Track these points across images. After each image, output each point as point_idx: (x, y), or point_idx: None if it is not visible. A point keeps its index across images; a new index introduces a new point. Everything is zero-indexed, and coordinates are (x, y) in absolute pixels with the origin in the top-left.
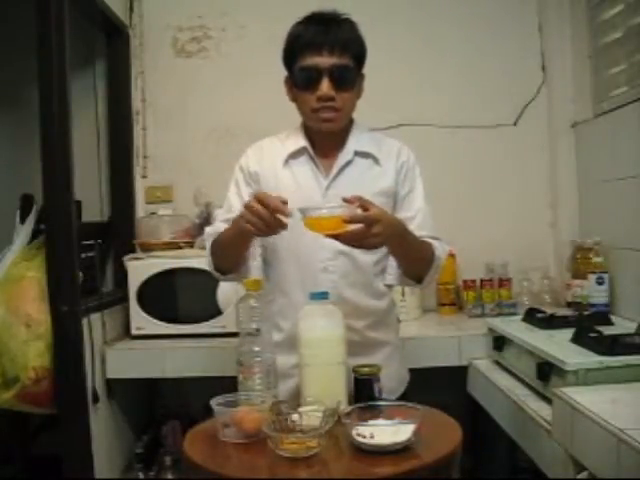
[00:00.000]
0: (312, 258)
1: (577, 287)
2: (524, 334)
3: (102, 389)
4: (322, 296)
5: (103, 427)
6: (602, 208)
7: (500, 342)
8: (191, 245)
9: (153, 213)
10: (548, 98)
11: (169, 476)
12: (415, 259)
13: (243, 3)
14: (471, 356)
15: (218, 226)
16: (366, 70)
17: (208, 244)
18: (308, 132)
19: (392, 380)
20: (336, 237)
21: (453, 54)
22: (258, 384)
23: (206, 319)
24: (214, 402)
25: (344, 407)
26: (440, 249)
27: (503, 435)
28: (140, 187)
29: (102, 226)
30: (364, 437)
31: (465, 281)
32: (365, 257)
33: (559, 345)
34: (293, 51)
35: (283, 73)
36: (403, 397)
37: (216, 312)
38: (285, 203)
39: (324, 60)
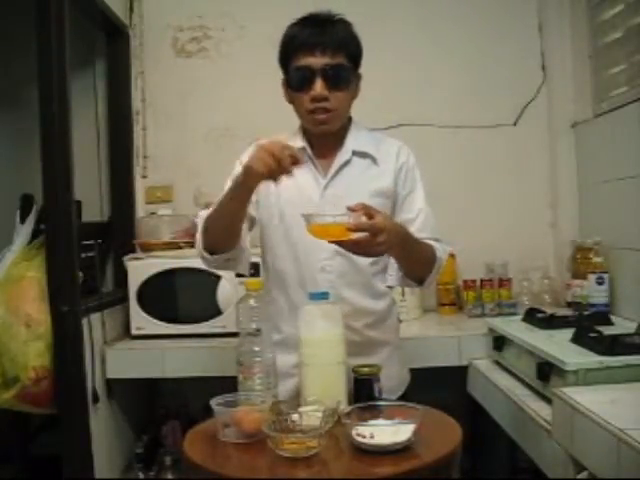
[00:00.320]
0: (310, 258)
1: (577, 287)
2: (524, 334)
3: (102, 389)
4: (322, 296)
5: (103, 427)
6: (602, 208)
7: (500, 342)
8: (191, 245)
9: (153, 213)
10: (548, 98)
11: (169, 476)
12: (416, 262)
13: (243, 3)
14: (471, 356)
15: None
16: (366, 70)
17: (200, 223)
18: (306, 133)
19: (392, 380)
20: (340, 245)
21: (453, 54)
22: (258, 384)
23: (206, 319)
24: (214, 402)
25: (344, 407)
26: (441, 250)
27: (503, 435)
28: (140, 187)
29: (102, 226)
30: (364, 437)
31: (465, 281)
32: (362, 257)
33: (559, 345)
34: (287, 52)
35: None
36: (403, 397)
37: (216, 312)
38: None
39: (317, 60)
